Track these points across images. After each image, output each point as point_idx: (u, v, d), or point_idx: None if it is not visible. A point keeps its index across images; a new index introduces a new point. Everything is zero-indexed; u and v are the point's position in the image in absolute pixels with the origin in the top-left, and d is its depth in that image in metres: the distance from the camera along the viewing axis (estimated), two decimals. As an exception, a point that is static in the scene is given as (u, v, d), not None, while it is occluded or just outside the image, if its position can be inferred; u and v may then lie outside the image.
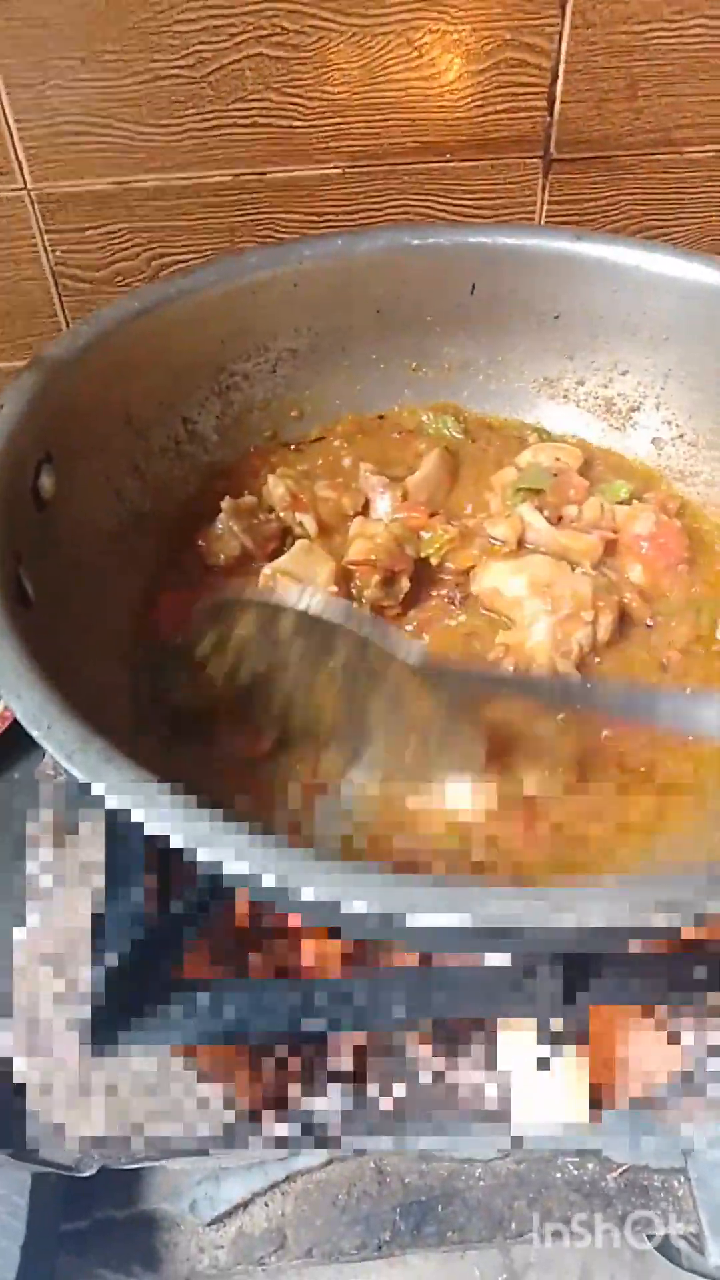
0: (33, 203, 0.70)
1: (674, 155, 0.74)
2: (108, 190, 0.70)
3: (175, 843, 0.33)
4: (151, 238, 0.73)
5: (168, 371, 0.58)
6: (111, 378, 0.55)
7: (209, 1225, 0.64)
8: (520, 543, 0.59)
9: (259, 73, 0.67)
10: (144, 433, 0.58)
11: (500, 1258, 0.99)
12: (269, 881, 0.32)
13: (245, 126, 0.69)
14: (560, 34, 0.66)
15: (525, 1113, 0.54)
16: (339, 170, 0.72)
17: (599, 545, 0.58)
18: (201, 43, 0.64)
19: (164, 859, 0.51)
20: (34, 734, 0.36)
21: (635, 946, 0.49)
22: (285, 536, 0.61)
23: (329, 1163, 0.65)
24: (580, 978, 0.47)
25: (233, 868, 0.33)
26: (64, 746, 0.36)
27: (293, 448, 0.65)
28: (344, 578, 0.57)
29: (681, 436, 0.62)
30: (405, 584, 0.58)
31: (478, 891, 0.32)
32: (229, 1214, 0.65)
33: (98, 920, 0.49)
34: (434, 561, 0.60)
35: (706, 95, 0.71)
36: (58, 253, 0.73)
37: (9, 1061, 0.52)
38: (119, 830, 0.50)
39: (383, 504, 0.61)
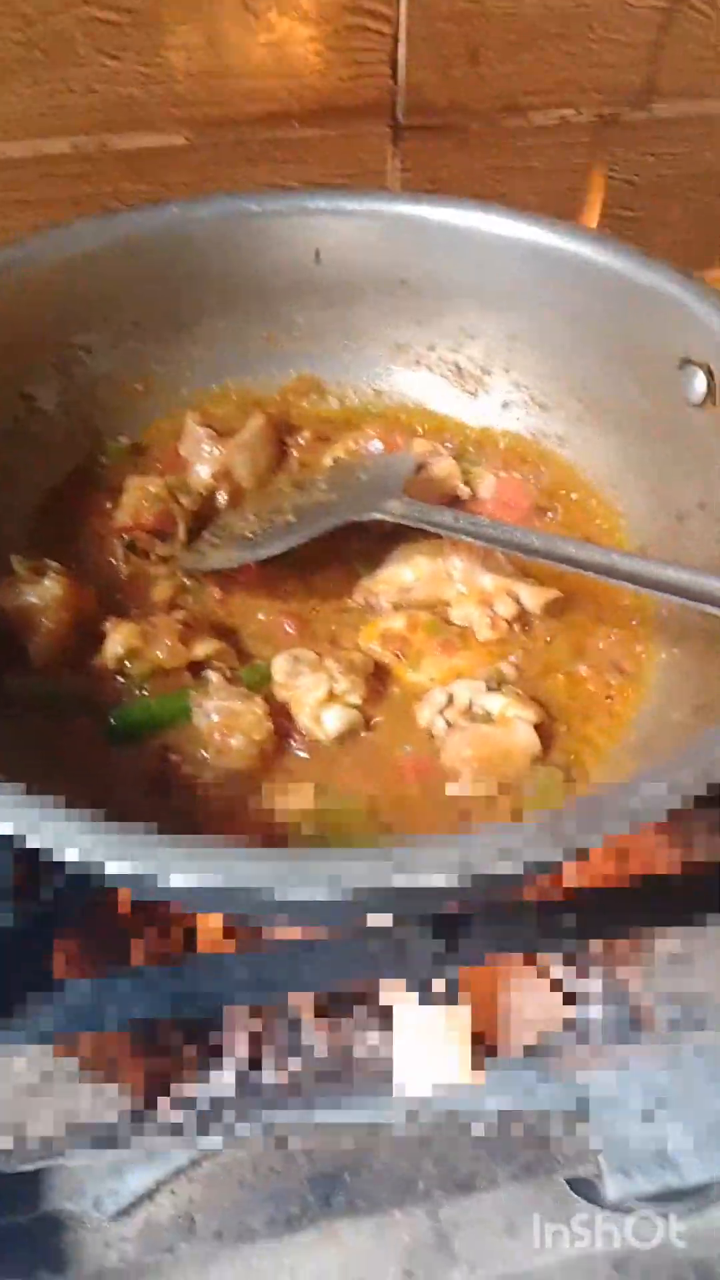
0: None
1: (522, 122, 0.75)
2: (-59, 164, 0.67)
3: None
4: (-8, 213, 0.70)
5: (0, 347, 0.56)
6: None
7: (114, 1219, 0.63)
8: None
9: (91, 37, 0.64)
10: (-22, 412, 0.55)
11: (428, 1221, 1.01)
12: (35, 842, 0.36)
13: (81, 94, 0.67)
14: (398, -1, 0.66)
15: (412, 1076, 0.54)
16: (185, 140, 0.71)
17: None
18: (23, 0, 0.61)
19: (31, 855, 0.49)
20: None
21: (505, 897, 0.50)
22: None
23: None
24: (451, 934, 0.48)
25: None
26: None
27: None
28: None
29: (531, 398, 0.63)
30: (181, 536, 0.58)
31: (227, 853, 0.34)
32: (134, 1205, 0.64)
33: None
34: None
35: (548, 63, 0.72)
36: None
37: None
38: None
39: (203, 470, 0.60)
